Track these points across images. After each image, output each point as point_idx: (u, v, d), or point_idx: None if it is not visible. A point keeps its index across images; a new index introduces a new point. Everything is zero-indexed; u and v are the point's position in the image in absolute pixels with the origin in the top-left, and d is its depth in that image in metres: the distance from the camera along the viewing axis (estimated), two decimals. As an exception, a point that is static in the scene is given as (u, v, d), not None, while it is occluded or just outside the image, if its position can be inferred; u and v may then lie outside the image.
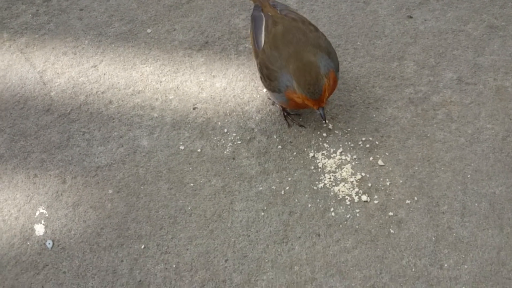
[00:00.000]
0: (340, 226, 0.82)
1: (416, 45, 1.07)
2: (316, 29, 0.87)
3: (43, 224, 0.83)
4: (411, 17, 1.12)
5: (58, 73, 1.03)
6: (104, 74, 1.03)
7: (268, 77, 0.84)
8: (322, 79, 0.79)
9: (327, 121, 0.80)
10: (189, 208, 0.84)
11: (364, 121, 0.94)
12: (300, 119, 0.95)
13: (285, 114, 0.94)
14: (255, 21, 0.90)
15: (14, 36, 1.10)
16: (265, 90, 0.90)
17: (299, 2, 1.16)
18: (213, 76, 1.02)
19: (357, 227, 0.82)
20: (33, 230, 0.83)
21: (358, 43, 1.07)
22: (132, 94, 0.99)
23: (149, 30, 1.11)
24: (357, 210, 0.83)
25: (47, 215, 0.84)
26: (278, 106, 0.95)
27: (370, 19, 1.12)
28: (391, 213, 0.83)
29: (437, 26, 1.10)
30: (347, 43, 1.07)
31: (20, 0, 1.18)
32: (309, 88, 0.78)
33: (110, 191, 0.87)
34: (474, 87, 0.99)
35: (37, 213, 0.84)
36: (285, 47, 0.83)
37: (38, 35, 1.11)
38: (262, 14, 0.89)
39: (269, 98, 0.97)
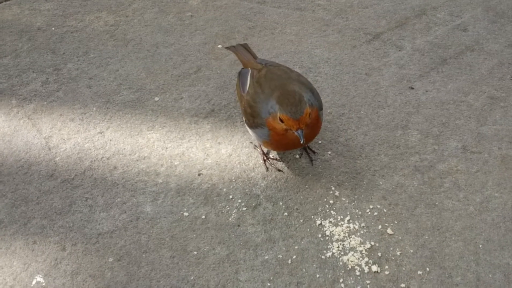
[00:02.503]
0: (350, 298, 0.78)
1: (418, 115, 1.08)
2: (298, 73, 0.92)
3: (39, 293, 0.79)
4: (412, 88, 1.15)
5: (64, 139, 1.04)
6: (110, 140, 1.04)
7: (252, 115, 0.87)
8: (305, 103, 0.80)
9: (303, 141, 0.81)
10: (192, 277, 0.81)
11: (371, 188, 0.93)
12: (279, 164, 0.97)
13: (265, 158, 0.97)
14: (240, 74, 0.96)
15: (22, 103, 1.12)
16: (250, 133, 0.92)
17: (303, 73, 1.19)
18: (219, 143, 1.02)
19: (368, 299, 0.78)
20: (28, 300, 0.79)
21: (362, 112, 1.09)
22: (137, 160, 0.99)
23: (156, 98, 1.13)
24: (368, 282, 0.80)
25: (44, 284, 0.80)
26: (259, 150, 0.99)
27: (373, 90, 1.15)
28: (403, 285, 0.79)
29: (439, 97, 1.13)
30: (351, 112, 1.09)
31: (31, 68, 1.22)
32: (291, 108, 0.79)
33: (111, 259, 0.84)
34: (479, 156, 0.99)
35: (34, 282, 0.81)
36: (267, 82, 0.87)
37: (47, 102, 1.12)
38: (248, 68, 0.96)
39: (251, 142, 1.01)
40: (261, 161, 0.98)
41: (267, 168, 0.96)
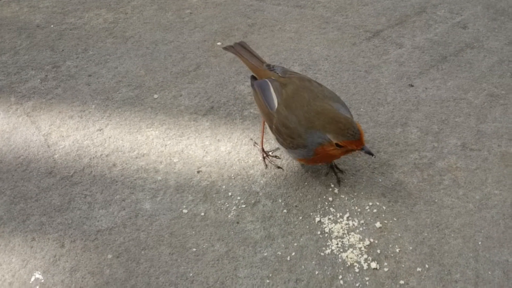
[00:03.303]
0: (349, 295, 0.78)
1: (418, 112, 1.08)
2: (320, 85, 0.90)
3: (37, 290, 0.79)
4: (412, 86, 1.15)
5: (63, 136, 1.04)
6: (109, 137, 1.03)
7: (290, 136, 0.85)
8: (352, 121, 0.80)
9: (375, 155, 0.83)
10: (191, 274, 0.81)
11: (370, 185, 0.93)
12: (278, 162, 0.97)
13: (264, 155, 0.96)
14: (260, 87, 0.91)
15: (21, 100, 1.12)
16: (284, 150, 0.91)
17: (302, 71, 1.19)
18: (218, 140, 1.02)
19: (367, 296, 0.78)
20: (26, 296, 0.79)
21: (361, 109, 1.09)
22: (136, 157, 0.99)
23: (156, 96, 1.13)
24: (367, 278, 0.80)
25: (42, 280, 0.80)
26: (258, 147, 0.99)
27: (372, 87, 1.15)
28: (402, 282, 0.79)
29: (438, 94, 1.12)
30: (350, 110, 1.08)
31: (30, 65, 1.22)
32: (347, 132, 0.79)
33: (110, 256, 0.83)
34: (479, 153, 0.99)
35: (33, 279, 0.80)
36: (298, 106, 0.84)
37: (46, 99, 1.12)
38: (267, 80, 0.91)
39: (251, 139, 1.00)
40: (260, 158, 0.97)
41: (266, 165, 0.96)
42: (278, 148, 1.00)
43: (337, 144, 0.80)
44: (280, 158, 0.98)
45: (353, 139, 0.79)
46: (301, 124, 0.83)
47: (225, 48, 1.02)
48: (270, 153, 0.99)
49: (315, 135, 0.82)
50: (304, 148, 0.84)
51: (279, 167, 0.96)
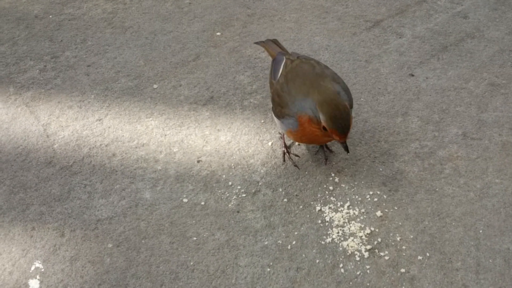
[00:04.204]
0: (351, 283, 0.78)
1: (419, 102, 1.08)
2: (327, 67, 0.90)
3: (38, 279, 0.79)
4: (412, 75, 1.14)
5: (62, 126, 1.03)
6: (109, 127, 1.03)
7: (280, 104, 0.86)
8: (350, 114, 0.80)
9: (349, 152, 0.83)
10: (192, 263, 0.81)
11: (371, 175, 0.93)
12: (297, 160, 0.95)
13: (285, 151, 0.95)
14: (275, 60, 0.94)
15: (20, 90, 1.11)
16: (275, 121, 0.91)
17: (302, 61, 1.18)
18: (218, 130, 1.02)
19: (368, 284, 0.78)
20: (27, 286, 0.78)
21: (362, 99, 1.08)
22: (136, 147, 0.99)
23: (155, 86, 1.12)
24: (368, 267, 0.79)
25: (43, 269, 0.80)
26: (281, 142, 0.97)
27: (373, 77, 1.14)
28: (403, 270, 0.79)
29: (439, 84, 1.12)
30: (351, 99, 1.08)
31: (28, 56, 1.21)
32: (340, 123, 0.78)
33: (110, 245, 0.83)
34: (480, 142, 0.99)
35: (33, 268, 0.80)
36: (300, 76, 0.86)
37: (45, 90, 1.12)
38: (283, 56, 0.94)
39: (279, 133, 0.99)
40: (280, 151, 0.96)
41: (284, 160, 0.94)
42: (299, 145, 0.99)
43: (324, 127, 0.80)
44: (299, 157, 0.96)
45: (340, 132, 0.79)
46: (291, 94, 0.84)
47: (256, 43, 1.07)
48: (291, 150, 0.96)
49: (306, 102, 0.81)
50: (290, 117, 0.84)
51: (295, 165, 0.94)
